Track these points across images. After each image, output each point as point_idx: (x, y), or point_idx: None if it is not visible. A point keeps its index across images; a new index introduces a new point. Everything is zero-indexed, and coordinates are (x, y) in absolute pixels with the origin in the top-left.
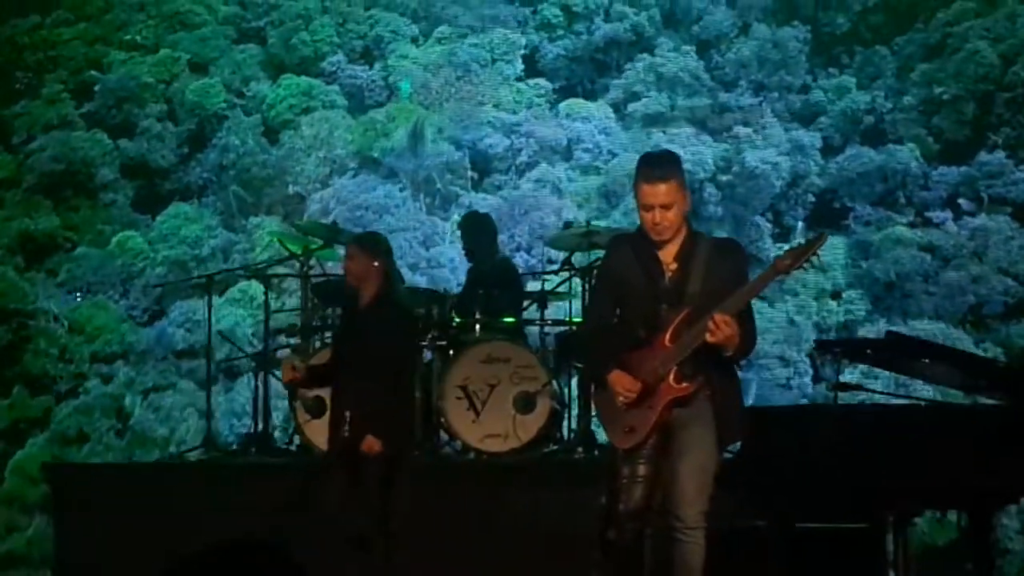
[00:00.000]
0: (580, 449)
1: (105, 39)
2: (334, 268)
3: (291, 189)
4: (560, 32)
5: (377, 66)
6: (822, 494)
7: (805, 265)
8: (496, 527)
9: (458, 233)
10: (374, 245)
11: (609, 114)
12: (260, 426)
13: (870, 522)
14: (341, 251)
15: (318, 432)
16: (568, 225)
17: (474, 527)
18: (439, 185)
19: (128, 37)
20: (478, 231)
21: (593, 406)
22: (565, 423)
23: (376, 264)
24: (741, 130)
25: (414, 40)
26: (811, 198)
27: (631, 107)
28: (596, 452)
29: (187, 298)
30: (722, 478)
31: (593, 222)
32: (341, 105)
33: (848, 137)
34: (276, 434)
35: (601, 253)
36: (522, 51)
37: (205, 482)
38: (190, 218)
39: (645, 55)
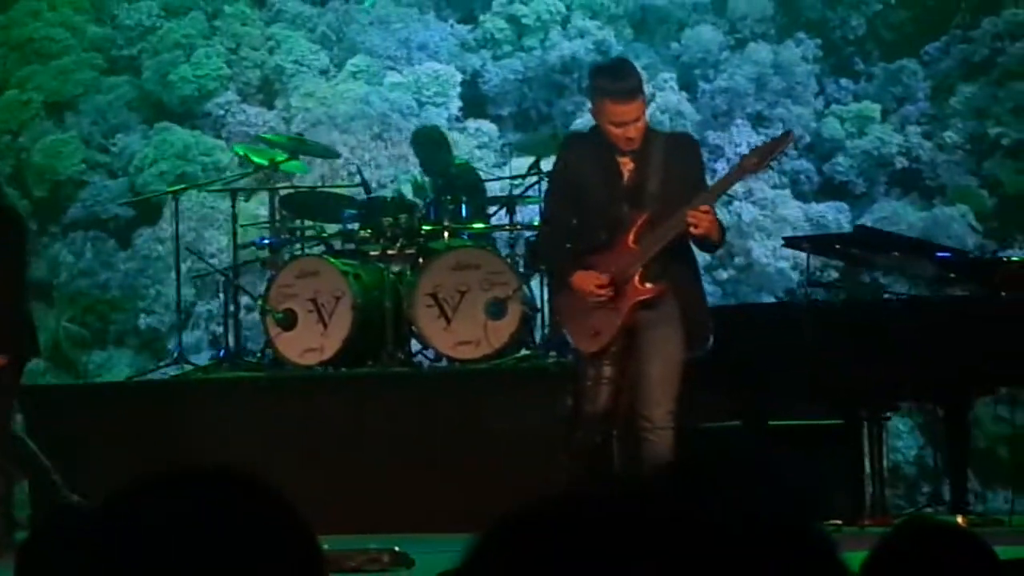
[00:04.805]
0: (553, 353)
1: None
2: (301, 180)
3: (143, 322)
4: (508, 48)
5: (278, 105)
6: (795, 391)
7: (772, 164)
8: (470, 433)
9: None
10: None
11: None
12: (232, 341)
13: (845, 419)
14: (308, 162)
15: (289, 345)
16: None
17: (448, 434)
18: None
19: None
20: (430, 144)
21: (555, 310)
22: (537, 327)
23: None
24: (745, 210)
25: (324, 72)
26: (834, 274)
27: None
28: (569, 356)
29: None
30: (694, 378)
31: None
32: (224, 166)
33: (873, 181)
34: (248, 347)
35: None
36: (458, 88)
37: (178, 399)
38: None
39: None
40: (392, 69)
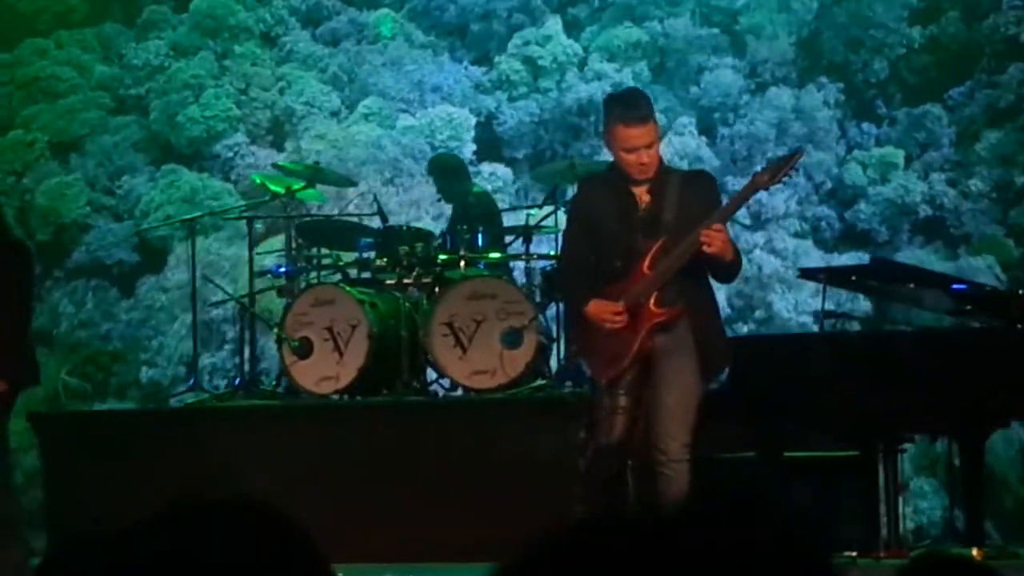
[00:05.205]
0: (568, 383)
1: None
2: (318, 208)
3: (144, 375)
4: (523, 90)
5: (288, 147)
6: (811, 422)
7: (784, 179)
8: (485, 462)
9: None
10: None
11: None
12: (247, 369)
13: (860, 450)
14: (324, 191)
15: (305, 373)
16: (553, 156)
17: (463, 463)
18: None
19: None
20: (447, 172)
21: (572, 342)
22: (553, 357)
23: None
24: (765, 260)
25: (335, 114)
26: (857, 326)
27: None
28: (584, 386)
29: None
30: (709, 409)
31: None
32: (237, 208)
33: (897, 229)
34: (263, 377)
35: None
36: (472, 131)
37: (193, 427)
38: None
39: None
40: (405, 112)
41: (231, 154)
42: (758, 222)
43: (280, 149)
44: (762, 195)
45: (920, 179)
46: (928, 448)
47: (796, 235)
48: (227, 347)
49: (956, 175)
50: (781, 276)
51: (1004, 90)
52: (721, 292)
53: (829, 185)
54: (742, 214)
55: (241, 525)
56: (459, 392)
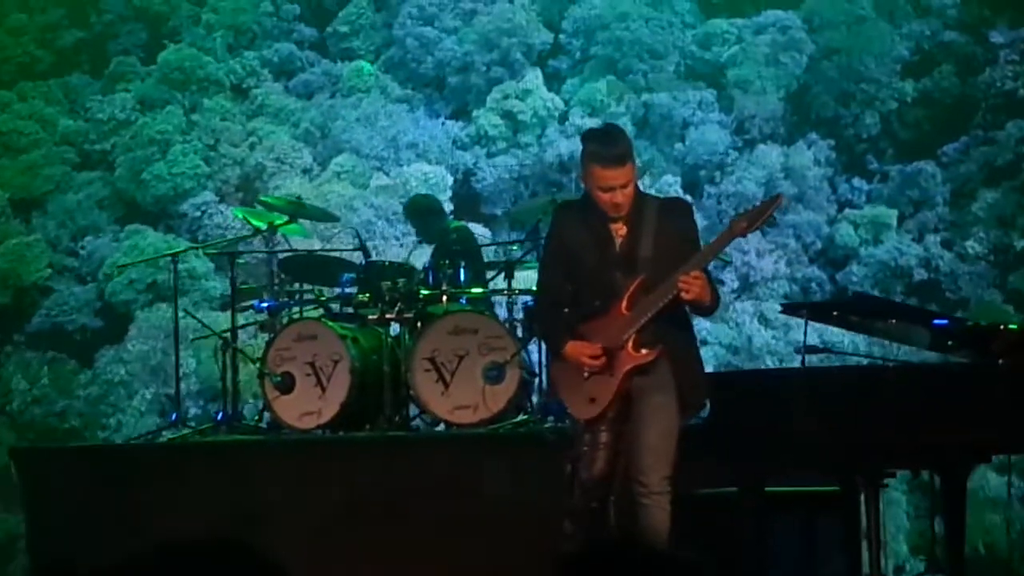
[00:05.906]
0: (551, 418)
1: None
2: (300, 243)
3: None
4: (502, 145)
5: (259, 208)
6: (792, 457)
7: (762, 227)
8: (467, 497)
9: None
10: None
11: None
12: (229, 404)
13: (841, 485)
14: (307, 226)
15: (287, 408)
16: (534, 195)
17: (445, 498)
18: None
19: None
20: (423, 212)
21: (551, 379)
22: (535, 392)
23: None
24: (756, 332)
25: (306, 171)
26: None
27: None
28: (566, 420)
29: None
30: (691, 444)
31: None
32: (200, 274)
33: (890, 292)
34: (246, 411)
35: None
36: (449, 191)
37: (175, 462)
38: None
39: None
40: (379, 170)
41: (198, 213)
42: (746, 284)
43: (250, 208)
44: (751, 257)
45: (914, 240)
46: (924, 528)
47: (785, 297)
48: (190, 424)
49: (951, 235)
50: (772, 348)
51: (1001, 148)
52: (710, 365)
53: (819, 245)
54: (730, 278)
55: (217, 565)
56: (441, 427)
